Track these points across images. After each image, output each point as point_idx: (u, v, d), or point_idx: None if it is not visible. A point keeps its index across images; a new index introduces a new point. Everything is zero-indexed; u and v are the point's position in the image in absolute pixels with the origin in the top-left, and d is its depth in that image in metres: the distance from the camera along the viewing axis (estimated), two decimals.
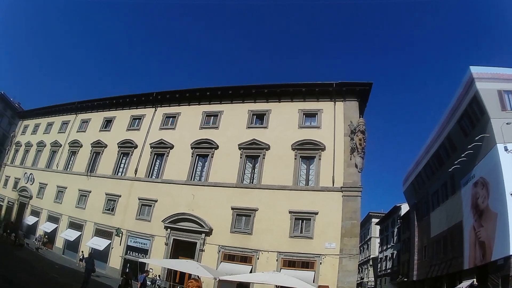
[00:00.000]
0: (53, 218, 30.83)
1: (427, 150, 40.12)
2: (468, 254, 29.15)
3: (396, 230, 55.08)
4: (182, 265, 20.18)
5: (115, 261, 25.36)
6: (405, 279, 46.17)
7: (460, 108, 31.03)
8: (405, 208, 51.94)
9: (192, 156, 26.08)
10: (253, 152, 24.66)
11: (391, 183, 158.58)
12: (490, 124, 27.02)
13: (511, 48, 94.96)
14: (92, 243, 26.41)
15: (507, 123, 26.37)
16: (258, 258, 21.59)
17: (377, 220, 64.56)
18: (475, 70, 28.90)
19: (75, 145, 33.06)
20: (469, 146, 29.45)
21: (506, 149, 25.94)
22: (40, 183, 34.27)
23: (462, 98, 30.73)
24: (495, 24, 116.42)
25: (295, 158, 23.52)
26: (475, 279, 27.53)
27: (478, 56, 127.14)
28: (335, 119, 24.01)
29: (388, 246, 57.97)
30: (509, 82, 28.32)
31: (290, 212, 21.96)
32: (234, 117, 26.41)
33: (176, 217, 24.05)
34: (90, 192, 29.26)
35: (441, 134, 35.54)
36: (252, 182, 24.02)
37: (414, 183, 45.86)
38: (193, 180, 25.51)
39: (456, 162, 31.98)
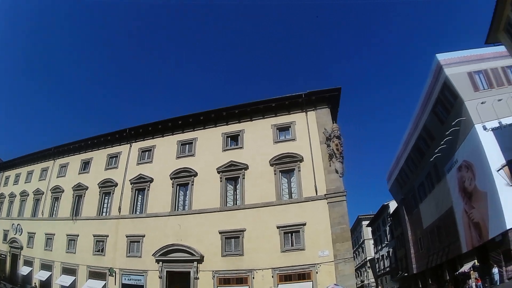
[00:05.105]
0: (46, 266, 29.04)
1: (406, 144, 39.73)
2: (465, 237, 28.68)
3: (388, 228, 54.36)
4: None
5: None
6: (406, 274, 45.47)
7: (433, 97, 30.73)
8: (393, 205, 51.24)
9: (172, 187, 24.85)
10: (232, 174, 23.66)
11: (376, 183, 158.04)
12: (464, 107, 26.73)
13: (475, 30, 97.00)
14: (87, 286, 24.88)
15: (481, 103, 26.13)
16: (253, 278, 20.57)
17: (367, 222, 63.77)
18: (441, 57, 28.71)
19: (57, 191, 31.38)
20: (447, 133, 29.10)
21: (484, 128, 25.72)
22: (28, 232, 32.39)
23: (433, 86, 30.47)
24: (456, 7, 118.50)
25: (275, 173, 22.66)
26: (475, 260, 27.06)
27: (443, 43, 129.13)
28: (308, 128, 23.39)
29: (383, 245, 57.23)
30: (478, 63, 28.18)
31: (278, 227, 21.09)
32: (209, 142, 25.40)
33: (166, 249, 22.76)
34: (78, 235, 27.64)
35: (418, 126, 35.16)
36: (236, 204, 23.03)
37: (398, 179, 45.36)
38: (177, 210, 24.29)
39: (436, 150, 31.59)
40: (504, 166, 24.20)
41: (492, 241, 24.58)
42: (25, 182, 35.58)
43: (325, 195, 21.22)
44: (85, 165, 30.61)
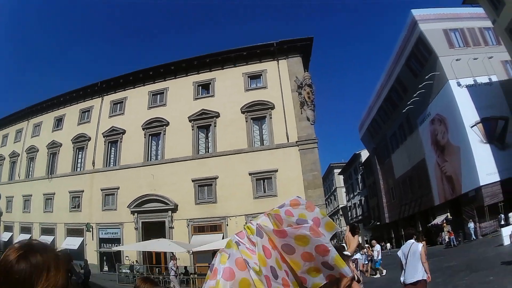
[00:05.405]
0: (26, 229, 28.97)
1: (378, 95, 39.66)
2: (437, 190, 29.14)
3: (360, 177, 54.40)
4: (154, 245, 19.41)
5: (92, 256, 23.65)
6: (378, 223, 46.06)
7: (407, 50, 30.73)
8: (365, 154, 51.14)
9: (145, 137, 24.69)
10: (204, 122, 23.61)
11: (348, 132, 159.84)
12: (439, 63, 26.82)
13: None
14: (66, 244, 24.85)
15: (456, 59, 26.25)
16: (227, 225, 20.96)
17: (339, 170, 63.45)
18: (417, 12, 28.64)
19: (31, 151, 30.88)
20: (420, 86, 29.26)
21: (459, 84, 25.90)
22: (6, 197, 31.94)
23: (407, 40, 30.46)
24: None
25: (246, 121, 22.69)
26: (448, 214, 27.55)
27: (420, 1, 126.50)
28: (280, 77, 23.25)
29: (355, 194, 57.37)
30: (454, 21, 28.17)
31: (250, 174, 21.30)
32: (180, 91, 25.06)
33: (140, 200, 22.88)
34: (54, 194, 27.50)
35: (390, 77, 35.17)
36: (208, 151, 23.12)
37: (370, 128, 45.42)
38: (150, 160, 24.33)
39: (409, 102, 31.82)
40: (478, 123, 24.51)
41: (465, 196, 25.03)
42: (1, 146, 34.99)
43: (296, 142, 21.38)
44: (58, 122, 30.08)
